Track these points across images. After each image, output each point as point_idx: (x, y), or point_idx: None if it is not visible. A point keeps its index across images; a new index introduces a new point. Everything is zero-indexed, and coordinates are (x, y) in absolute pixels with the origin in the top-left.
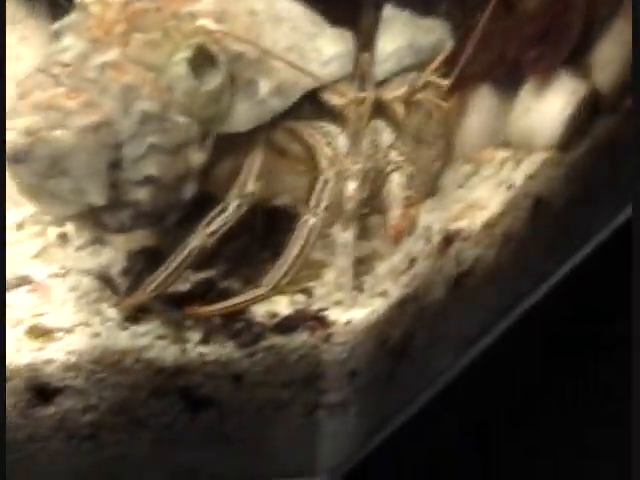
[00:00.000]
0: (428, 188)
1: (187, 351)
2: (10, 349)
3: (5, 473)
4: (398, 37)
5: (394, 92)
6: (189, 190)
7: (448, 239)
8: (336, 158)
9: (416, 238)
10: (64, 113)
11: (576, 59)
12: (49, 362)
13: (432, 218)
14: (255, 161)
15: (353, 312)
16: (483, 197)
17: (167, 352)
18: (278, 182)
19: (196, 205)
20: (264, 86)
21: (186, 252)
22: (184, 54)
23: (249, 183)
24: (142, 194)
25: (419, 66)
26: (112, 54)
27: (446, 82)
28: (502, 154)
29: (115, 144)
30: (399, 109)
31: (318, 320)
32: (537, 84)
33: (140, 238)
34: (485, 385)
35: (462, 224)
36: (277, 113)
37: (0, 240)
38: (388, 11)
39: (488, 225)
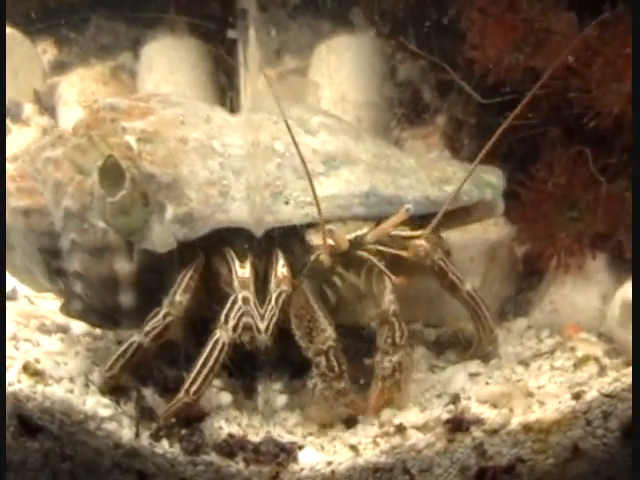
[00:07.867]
0: None
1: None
2: None
3: (5, 473)
4: None
5: None
6: (127, 299)
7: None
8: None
9: None
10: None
11: None
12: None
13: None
14: (185, 276)
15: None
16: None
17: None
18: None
19: None
20: (170, 212)
21: (126, 345)
22: (98, 163)
23: (177, 294)
24: (78, 288)
25: None
26: (58, 151)
27: None
28: (594, 349)
29: (50, 233)
30: None
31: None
32: None
33: None
34: None
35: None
36: (181, 241)
37: (0, 240)
38: None
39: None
